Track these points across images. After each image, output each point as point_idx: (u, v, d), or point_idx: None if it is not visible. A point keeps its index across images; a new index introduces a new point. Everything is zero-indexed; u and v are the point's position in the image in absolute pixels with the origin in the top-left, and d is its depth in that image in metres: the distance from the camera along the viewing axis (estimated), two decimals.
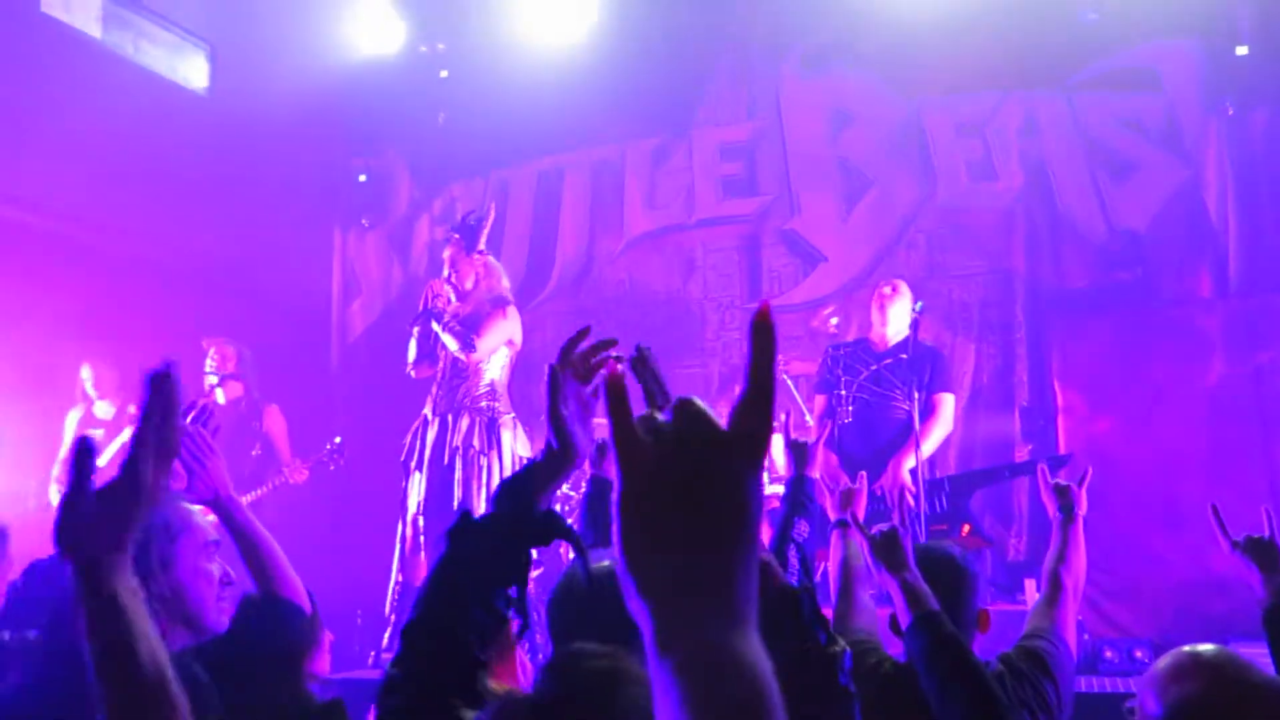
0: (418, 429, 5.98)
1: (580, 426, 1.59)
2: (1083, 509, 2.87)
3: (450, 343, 5.78)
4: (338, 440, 6.52)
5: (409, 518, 5.88)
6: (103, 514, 1.14)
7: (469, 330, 5.77)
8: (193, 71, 8.05)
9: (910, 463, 5.27)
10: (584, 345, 1.64)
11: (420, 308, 6.00)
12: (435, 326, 5.79)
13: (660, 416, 0.78)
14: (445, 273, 5.98)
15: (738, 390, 0.76)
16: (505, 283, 6.19)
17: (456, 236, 6.07)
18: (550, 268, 8.32)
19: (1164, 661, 1.70)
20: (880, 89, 7.45)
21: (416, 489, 5.85)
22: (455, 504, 5.70)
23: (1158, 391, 6.19)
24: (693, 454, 0.74)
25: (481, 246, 6.07)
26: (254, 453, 6.39)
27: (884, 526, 2.46)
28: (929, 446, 5.42)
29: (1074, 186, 6.90)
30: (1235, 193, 6.49)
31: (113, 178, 6.69)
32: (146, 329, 6.32)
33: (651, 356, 1.66)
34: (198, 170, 7.27)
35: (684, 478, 0.74)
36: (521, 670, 1.86)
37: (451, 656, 1.39)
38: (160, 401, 1.19)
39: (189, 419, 2.48)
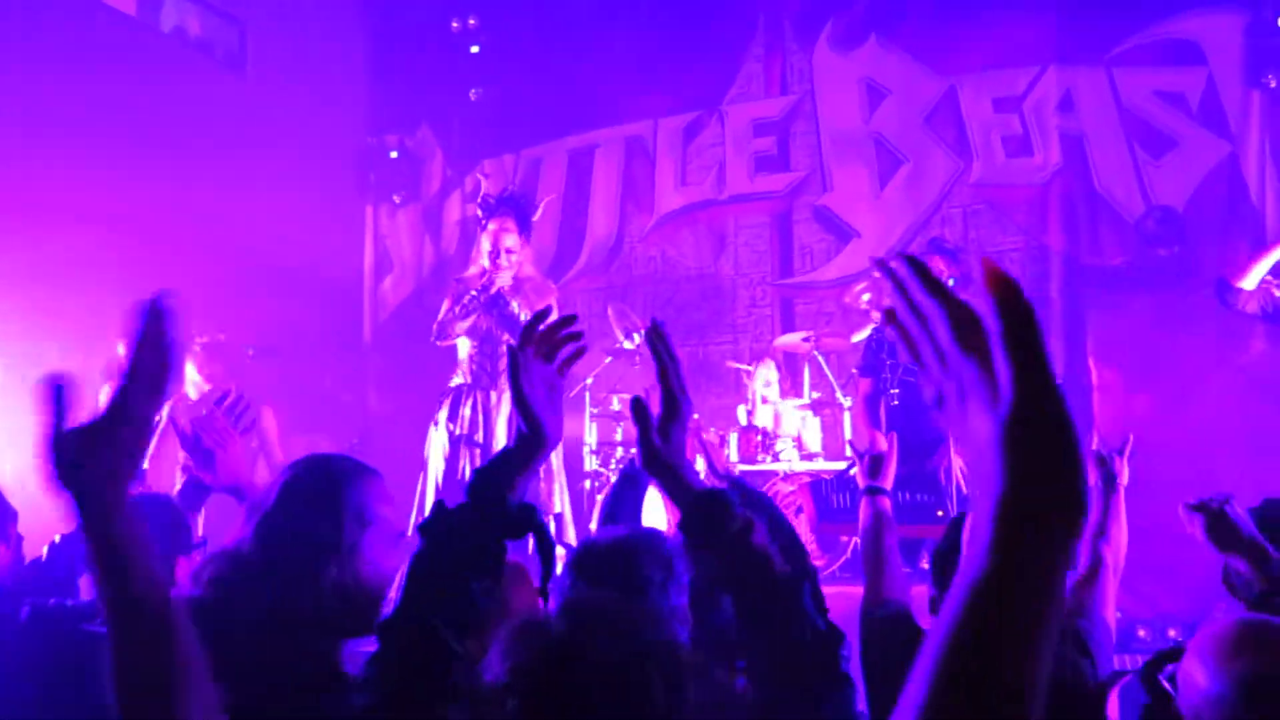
0: (472, 401, 5.97)
1: (549, 409, 1.56)
2: (1124, 478, 2.80)
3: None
4: (356, 442, 6.53)
5: (461, 486, 5.87)
6: (90, 447, 1.13)
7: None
8: (226, 48, 8.08)
9: None
10: (545, 325, 1.60)
11: (478, 290, 5.86)
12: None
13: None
14: (486, 247, 5.85)
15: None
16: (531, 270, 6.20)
17: (507, 215, 5.96)
18: (581, 244, 8.31)
19: (1219, 631, 1.54)
20: (915, 64, 7.37)
21: (486, 459, 5.84)
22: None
23: (1195, 370, 6.10)
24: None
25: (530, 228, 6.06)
26: (253, 444, 6.41)
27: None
28: None
29: (1112, 162, 6.79)
30: (1275, 168, 6.38)
31: (146, 153, 6.72)
32: (178, 305, 6.35)
33: (665, 330, 1.63)
34: (230, 146, 7.29)
35: None
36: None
37: (428, 651, 1.39)
38: (152, 331, 1.17)
39: (215, 403, 2.46)
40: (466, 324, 5.93)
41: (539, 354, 1.57)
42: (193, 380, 6.21)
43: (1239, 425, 5.84)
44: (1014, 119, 7.09)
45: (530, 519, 1.48)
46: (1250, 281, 5.20)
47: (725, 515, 1.55)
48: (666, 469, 1.57)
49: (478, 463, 5.85)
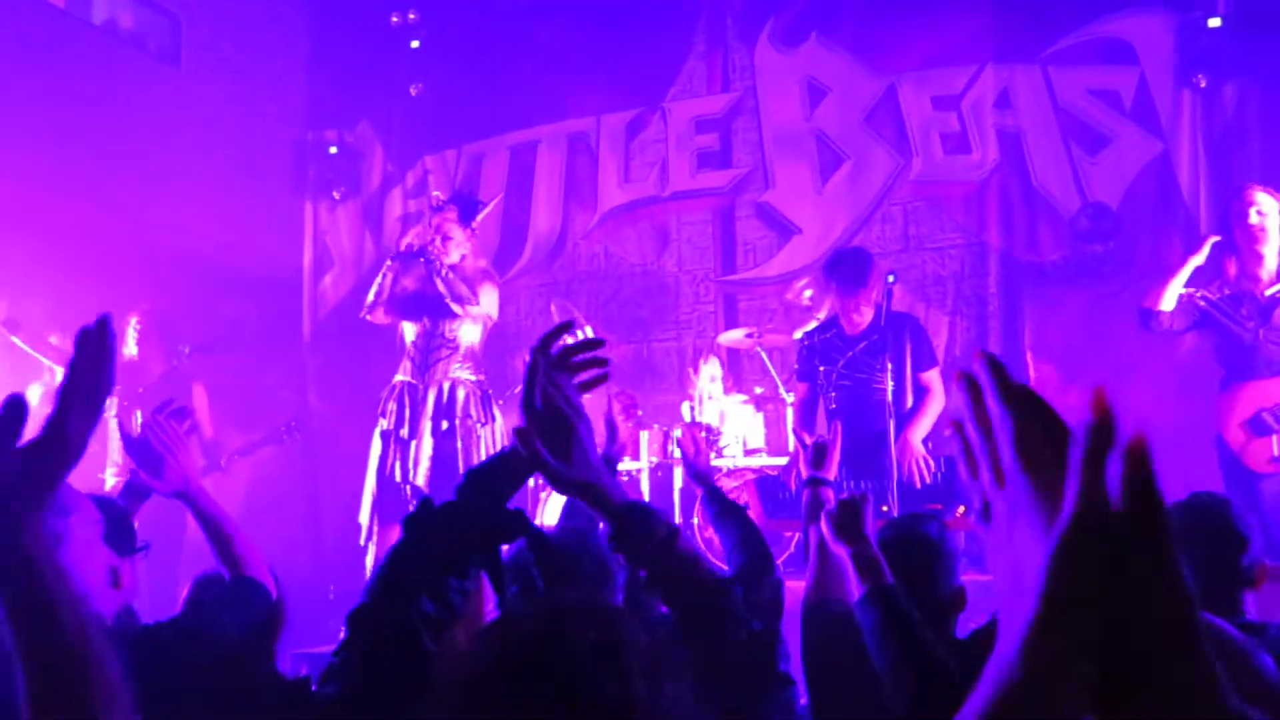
0: (400, 396, 5.94)
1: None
2: None
3: (447, 291, 5.75)
4: (293, 423, 6.47)
5: (391, 484, 5.83)
6: (25, 471, 1.10)
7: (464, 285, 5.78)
8: (159, 41, 7.93)
9: (921, 432, 5.19)
10: (563, 341, 1.51)
11: (401, 248, 5.99)
12: (438, 279, 5.74)
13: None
14: (429, 235, 5.91)
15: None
16: (483, 263, 6.21)
17: (451, 206, 6.00)
18: (523, 241, 8.28)
19: None
20: (855, 62, 7.43)
21: (409, 456, 5.81)
22: (461, 472, 5.71)
23: (1128, 364, 6.21)
24: None
25: (474, 225, 6.05)
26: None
27: (846, 496, 2.38)
28: (926, 425, 5.27)
29: (1048, 159, 6.90)
30: (1207, 166, 6.51)
31: (80, 149, 6.59)
32: (116, 304, 6.24)
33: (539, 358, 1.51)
34: (164, 142, 7.17)
35: None
36: None
37: (398, 647, 1.37)
38: (90, 353, 1.15)
39: (162, 411, 2.46)
40: (390, 279, 5.96)
41: (558, 365, 1.50)
42: (129, 353, 6.13)
43: (1170, 420, 5.94)
44: (952, 117, 7.17)
45: (521, 524, 1.46)
46: (1167, 303, 5.32)
47: (649, 525, 1.51)
48: (577, 487, 1.52)
49: (410, 458, 5.82)
